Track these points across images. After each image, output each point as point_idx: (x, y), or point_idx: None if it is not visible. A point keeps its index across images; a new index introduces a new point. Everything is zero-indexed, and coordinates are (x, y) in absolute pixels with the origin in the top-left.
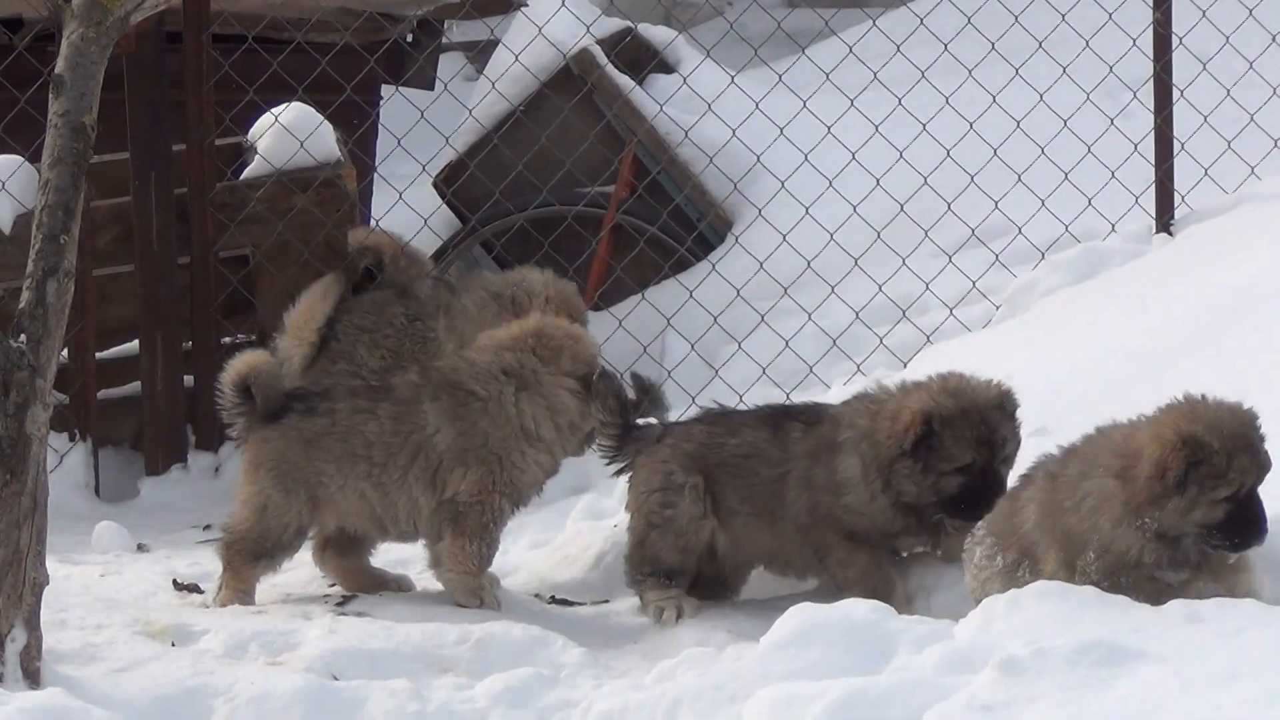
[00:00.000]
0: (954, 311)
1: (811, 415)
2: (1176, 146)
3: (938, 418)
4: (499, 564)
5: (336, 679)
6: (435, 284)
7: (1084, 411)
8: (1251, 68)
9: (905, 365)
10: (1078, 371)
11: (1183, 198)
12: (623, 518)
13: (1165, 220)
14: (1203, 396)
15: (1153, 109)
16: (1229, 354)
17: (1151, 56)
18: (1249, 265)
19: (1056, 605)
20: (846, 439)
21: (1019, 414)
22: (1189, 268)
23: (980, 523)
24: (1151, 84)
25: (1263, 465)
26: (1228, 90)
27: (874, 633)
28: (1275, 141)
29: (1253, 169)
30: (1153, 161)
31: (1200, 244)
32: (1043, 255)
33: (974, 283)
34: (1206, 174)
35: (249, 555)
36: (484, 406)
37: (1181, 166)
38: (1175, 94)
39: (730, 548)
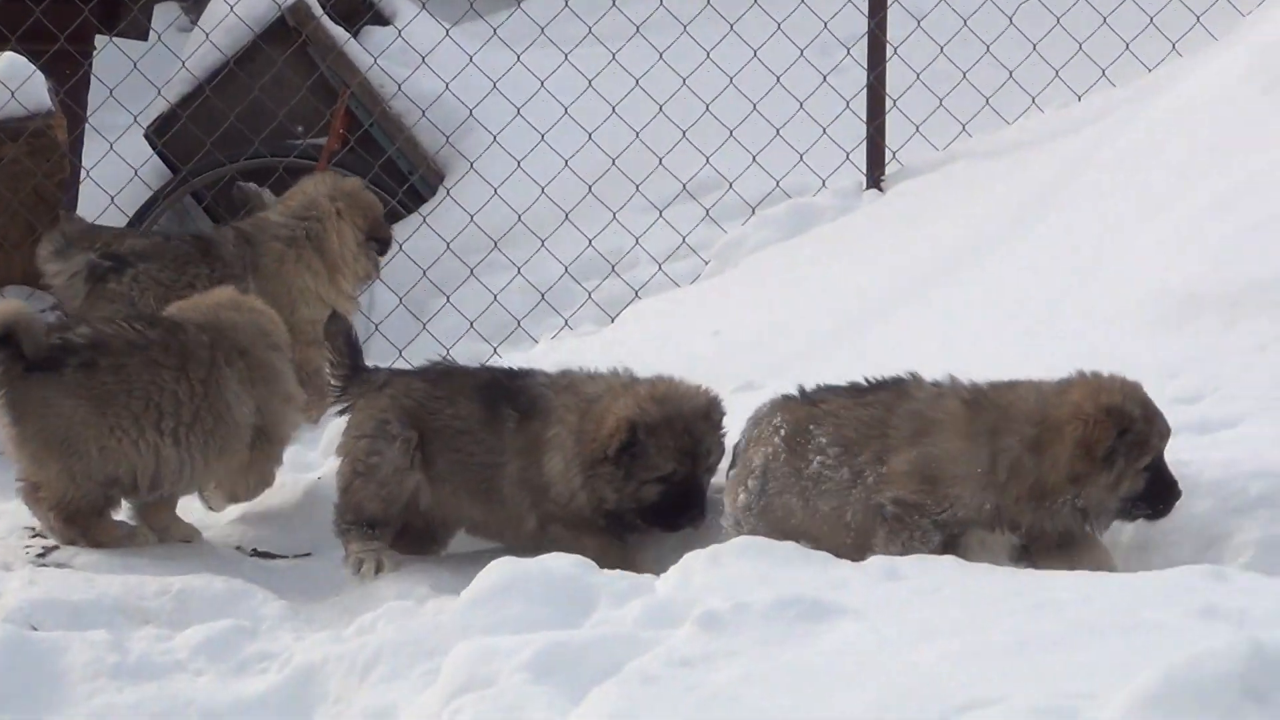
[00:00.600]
0: (663, 266)
1: (526, 404)
2: (888, 103)
3: (643, 426)
4: (200, 517)
5: (36, 629)
6: (237, 239)
7: (793, 366)
8: (965, 25)
9: (613, 320)
10: (787, 327)
11: (894, 154)
12: (326, 470)
13: (876, 177)
14: (1095, 373)
15: (866, 66)
16: (938, 310)
17: (866, 13)
18: (958, 222)
19: (757, 561)
20: (554, 435)
21: (725, 421)
22: (899, 224)
23: (820, 435)
24: (865, 41)
25: (1169, 428)
26: (941, 48)
27: (575, 586)
28: (986, 100)
29: (964, 126)
30: (864, 118)
31: (910, 201)
32: (753, 211)
33: (684, 238)
34: (918, 131)
35: (93, 512)
36: (272, 372)
37: (893, 123)
38: (889, 51)
39: (436, 506)
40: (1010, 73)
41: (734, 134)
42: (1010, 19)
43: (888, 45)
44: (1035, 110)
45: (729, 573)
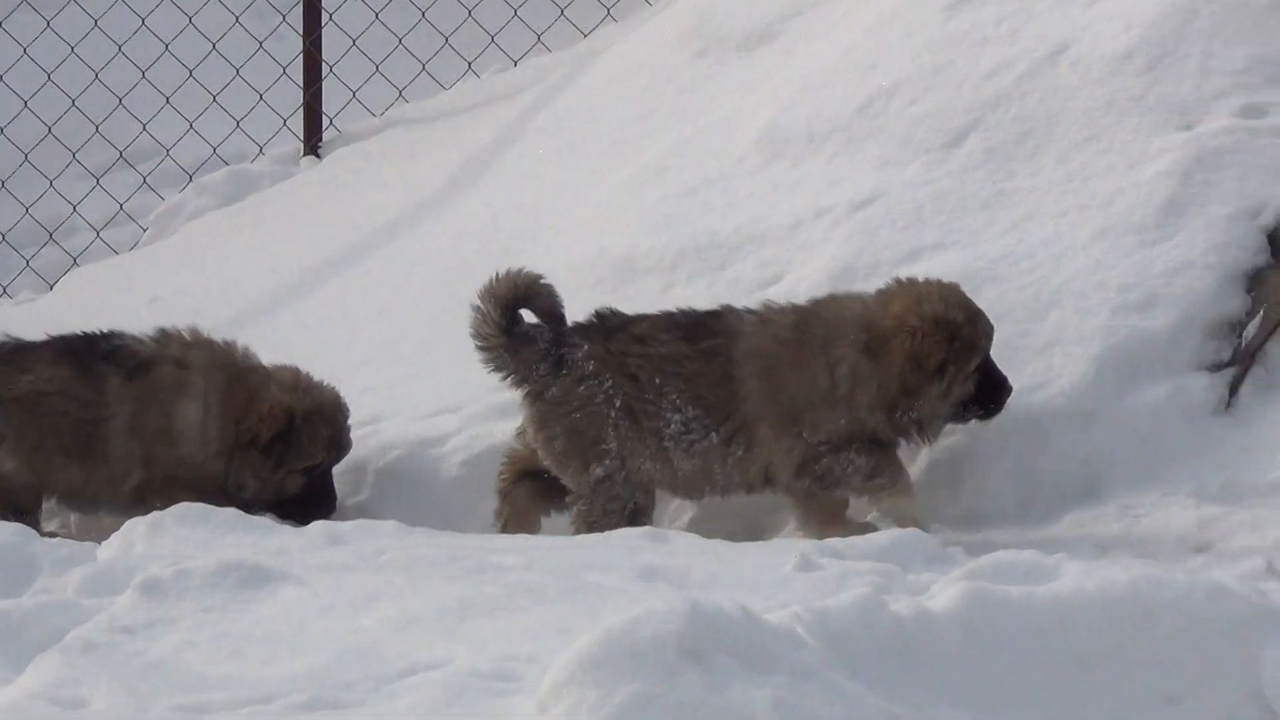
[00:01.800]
0: (101, 234)
1: (130, 360)
2: (325, 69)
3: (300, 413)
4: None
5: None
6: None
7: (240, 329)
8: None
9: (52, 288)
10: (225, 293)
11: (331, 121)
12: None
13: (314, 143)
14: (911, 280)
15: (302, 31)
16: (377, 273)
17: None
18: (396, 189)
19: (198, 527)
20: (193, 389)
21: None
22: (337, 191)
23: (672, 393)
24: (301, 6)
25: (992, 326)
26: (376, 14)
27: (17, 555)
28: (423, 65)
29: (400, 92)
30: (301, 84)
31: (348, 167)
32: (190, 178)
33: (121, 205)
34: (355, 97)
35: None
36: None
37: (331, 90)
38: (325, 16)
39: (19, 472)
40: (446, 38)
41: (170, 101)
42: None
43: (323, 11)
44: (472, 76)
45: (171, 539)
